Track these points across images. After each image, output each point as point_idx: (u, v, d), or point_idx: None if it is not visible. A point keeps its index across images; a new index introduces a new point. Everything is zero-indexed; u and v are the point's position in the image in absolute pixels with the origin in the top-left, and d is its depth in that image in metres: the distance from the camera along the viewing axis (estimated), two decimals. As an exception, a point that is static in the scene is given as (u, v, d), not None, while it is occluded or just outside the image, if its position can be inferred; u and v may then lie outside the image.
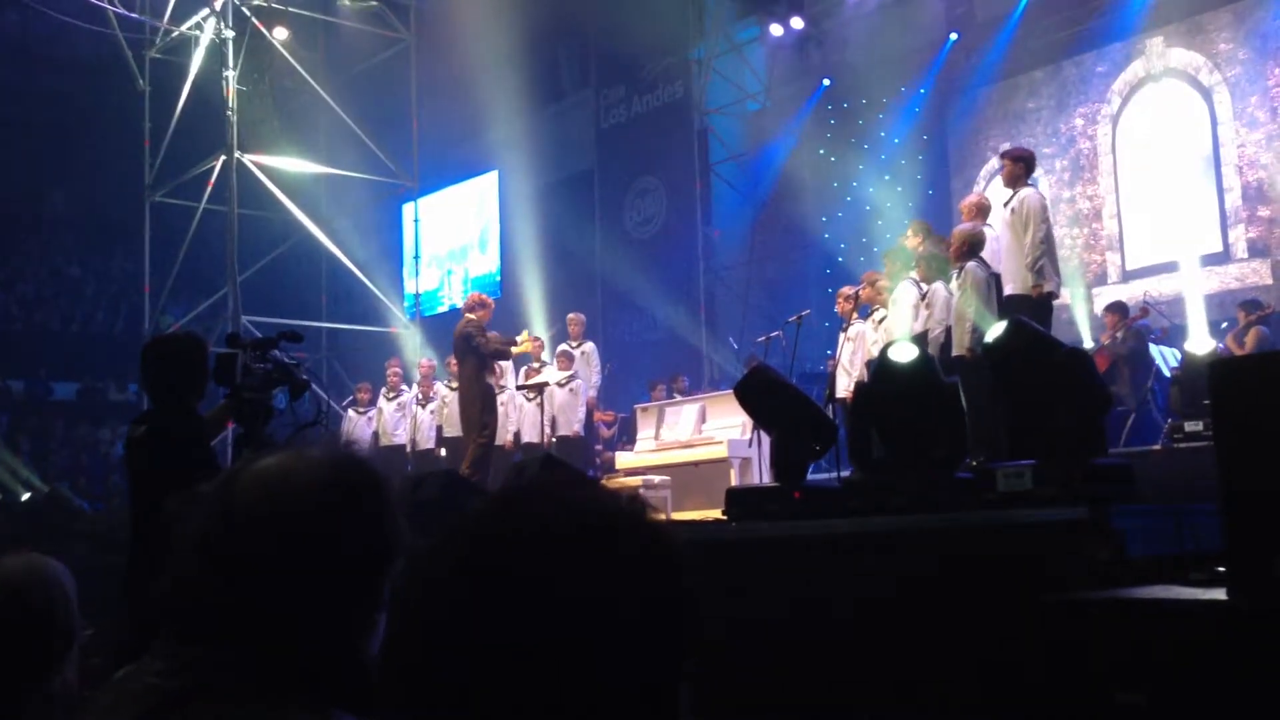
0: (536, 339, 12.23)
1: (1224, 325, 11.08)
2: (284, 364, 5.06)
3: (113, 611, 4.02)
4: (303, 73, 16.80)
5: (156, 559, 1.58)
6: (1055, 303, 8.18)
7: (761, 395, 6.11)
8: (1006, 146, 11.07)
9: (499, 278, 18.89)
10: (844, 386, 9.09)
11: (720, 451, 9.86)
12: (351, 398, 14.44)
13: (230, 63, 15.36)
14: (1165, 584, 3.58)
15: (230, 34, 15.43)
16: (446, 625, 1.01)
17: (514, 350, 11.10)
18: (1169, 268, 12.80)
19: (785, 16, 15.36)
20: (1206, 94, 12.78)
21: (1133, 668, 3.22)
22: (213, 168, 15.84)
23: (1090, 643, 3.36)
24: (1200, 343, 11.02)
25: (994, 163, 12.37)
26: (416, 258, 18.25)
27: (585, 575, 0.99)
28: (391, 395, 13.56)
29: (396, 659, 1.05)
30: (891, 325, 8.82)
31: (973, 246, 7.98)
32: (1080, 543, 4.02)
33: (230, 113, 15.41)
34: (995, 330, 4.87)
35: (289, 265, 18.86)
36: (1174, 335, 11.57)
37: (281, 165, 16.31)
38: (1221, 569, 3.22)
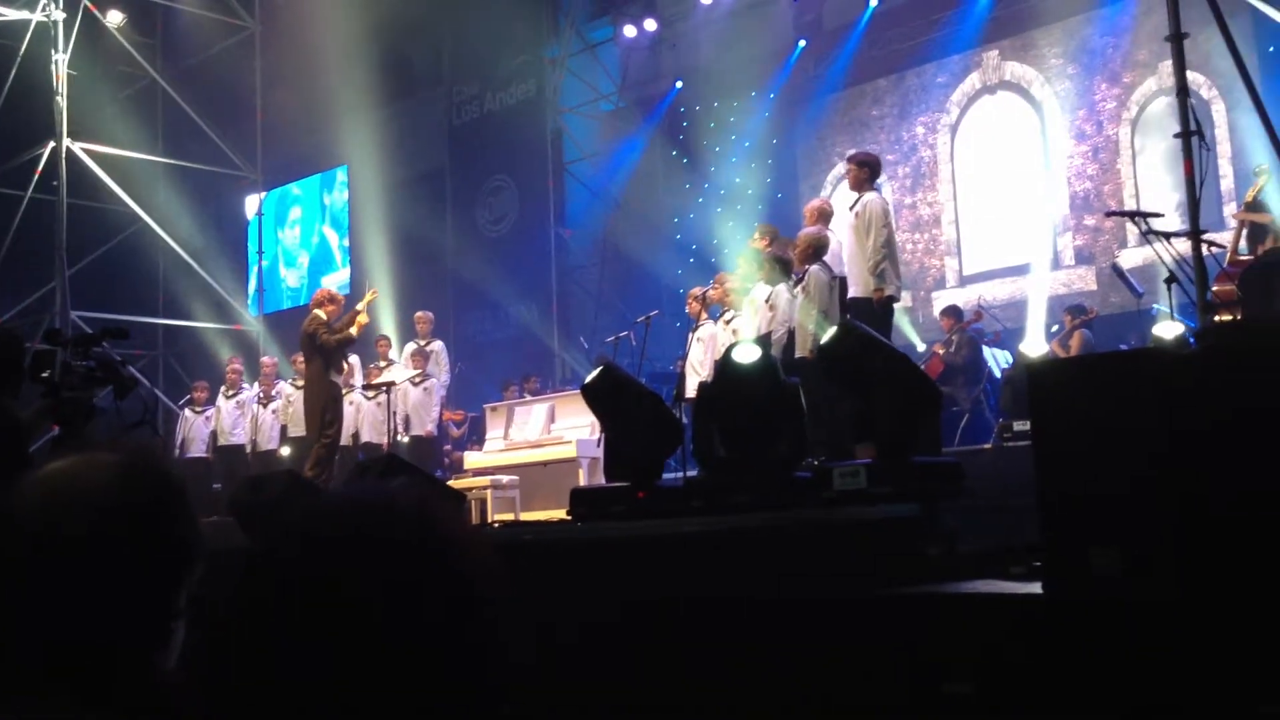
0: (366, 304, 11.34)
1: (1054, 329, 11.59)
2: (108, 361, 4.85)
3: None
4: (139, 58, 16.14)
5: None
6: (898, 305, 8.41)
7: (609, 395, 6.11)
8: (852, 151, 11.35)
9: (348, 274, 18.49)
10: (693, 386, 9.16)
11: (569, 451, 9.85)
12: (188, 396, 13.93)
13: (60, 46, 14.65)
14: (989, 578, 3.71)
15: (61, 16, 14.72)
16: (246, 636, 0.97)
17: (358, 323, 10.37)
18: (1003, 273, 13.33)
19: (638, 18, 15.46)
20: (1038, 106, 13.35)
21: (960, 659, 3.32)
22: (40, 155, 15.08)
23: (919, 635, 3.46)
24: (1033, 345, 11.52)
25: (840, 167, 12.67)
26: (261, 252, 17.72)
27: (378, 583, 0.96)
28: (230, 394, 13.14)
29: (198, 669, 1.01)
30: (740, 326, 8.94)
31: (816, 250, 8.14)
32: (911, 539, 4.14)
33: (60, 98, 14.70)
34: (828, 333, 4.97)
35: (126, 259, 18.07)
36: (1008, 338, 12.05)
37: (115, 154, 15.62)
38: (1039, 563, 3.35)
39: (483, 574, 1.01)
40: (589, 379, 6.08)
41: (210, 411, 13.24)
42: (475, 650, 0.98)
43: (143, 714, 1.20)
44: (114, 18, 15.99)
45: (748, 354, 5.33)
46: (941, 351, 11.17)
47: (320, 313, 10.19)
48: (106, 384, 4.83)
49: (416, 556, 0.97)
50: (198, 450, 13.16)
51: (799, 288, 8.13)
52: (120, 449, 1.37)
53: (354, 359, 11.51)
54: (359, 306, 10.49)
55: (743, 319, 8.94)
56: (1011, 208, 13.32)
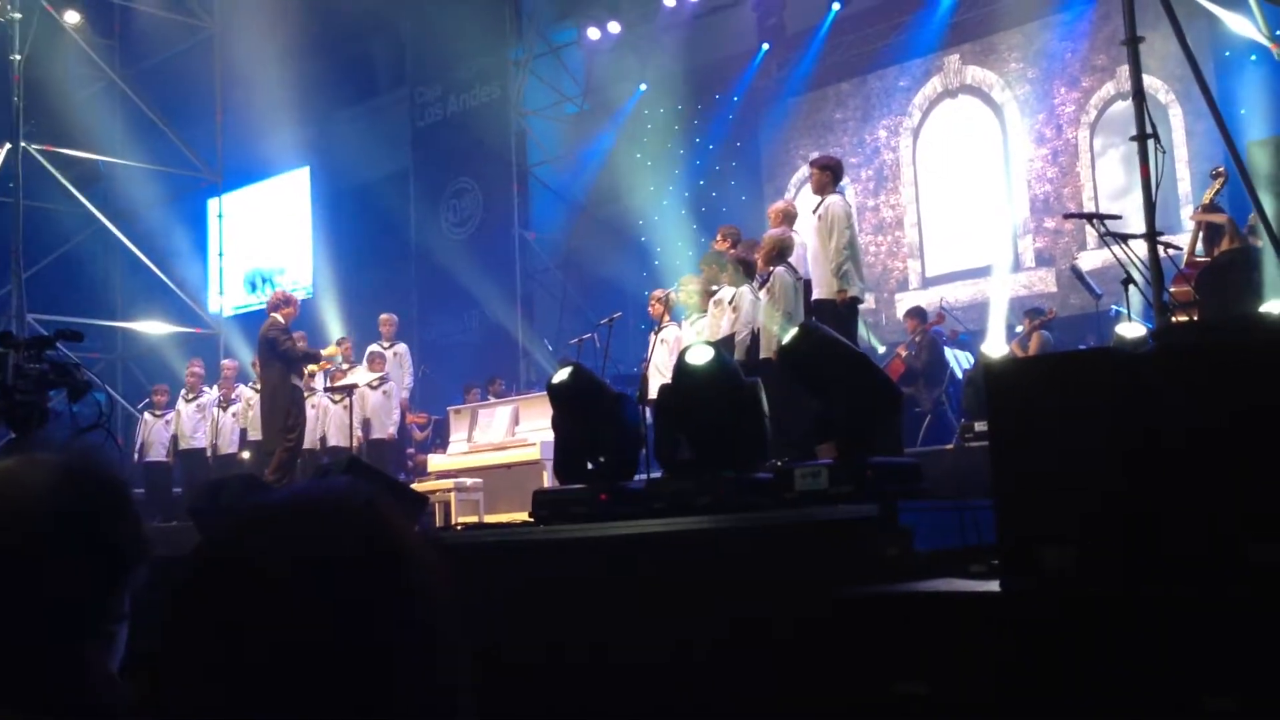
0: (343, 340, 11.88)
1: (1019, 329, 11.70)
2: (62, 364, 4.78)
3: None
4: (97, 59, 15.96)
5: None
6: (862, 307, 8.46)
7: (578, 396, 6.06)
8: (815, 155, 11.40)
9: (310, 277, 18.36)
10: (656, 389, 9.15)
11: (533, 453, 9.82)
12: (147, 400, 13.78)
13: (17, 46, 14.46)
14: (947, 577, 3.72)
15: (17, 16, 14.53)
16: (183, 638, 0.96)
17: (321, 361, 10.80)
18: (964, 275, 13.43)
19: (602, 21, 15.46)
20: (999, 110, 13.47)
21: (916, 658, 3.33)
22: (-4, 157, 14.90)
23: (876, 635, 3.47)
24: (995, 347, 11.61)
25: (804, 170, 12.71)
26: (221, 255, 17.56)
27: (321, 583, 0.94)
28: (191, 397, 13.01)
29: (141, 673, 0.99)
30: (705, 328, 8.95)
31: (781, 252, 8.17)
32: (870, 539, 4.16)
33: (16, 99, 14.51)
34: (789, 334, 4.98)
35: (84, 261, 17.90)
36: (970, 340, 12.15)
37: (73, 155, 15.45)
38: (996, 561, 3.37)
39: (428, 575, 1.00)
40: (557, 379, 6.03)
41: (170, 415, 13.11)
42: (419, 653, 0.96)
43: (75, 717, 1.17)
44: (71, 18, 15.81)
45: (700, 356, 5.32)
46: (904, 353, 11.23)
47: (278, 316, 10.11)
48: (60, 387, 4.76)
49: (361, 556, 0.96)
50: (158, 454, 13.03)
51: (763, 289, 8.15)
52: (62, 451, 1.35)
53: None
54: (325, 353, 10.76)
55: (708, 320, 8.94)
56: (973, 210, 13.43)
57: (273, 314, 10.11)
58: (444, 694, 0.97)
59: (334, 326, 14.83)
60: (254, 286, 19.21)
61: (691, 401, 5.22)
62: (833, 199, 8.29)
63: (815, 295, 8.12)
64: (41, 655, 1.19)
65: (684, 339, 9.53)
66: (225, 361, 13.71)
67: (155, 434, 13.05)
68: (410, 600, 0.96)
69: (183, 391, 13.14)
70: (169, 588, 0.99)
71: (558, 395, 6.05)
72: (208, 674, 0.93)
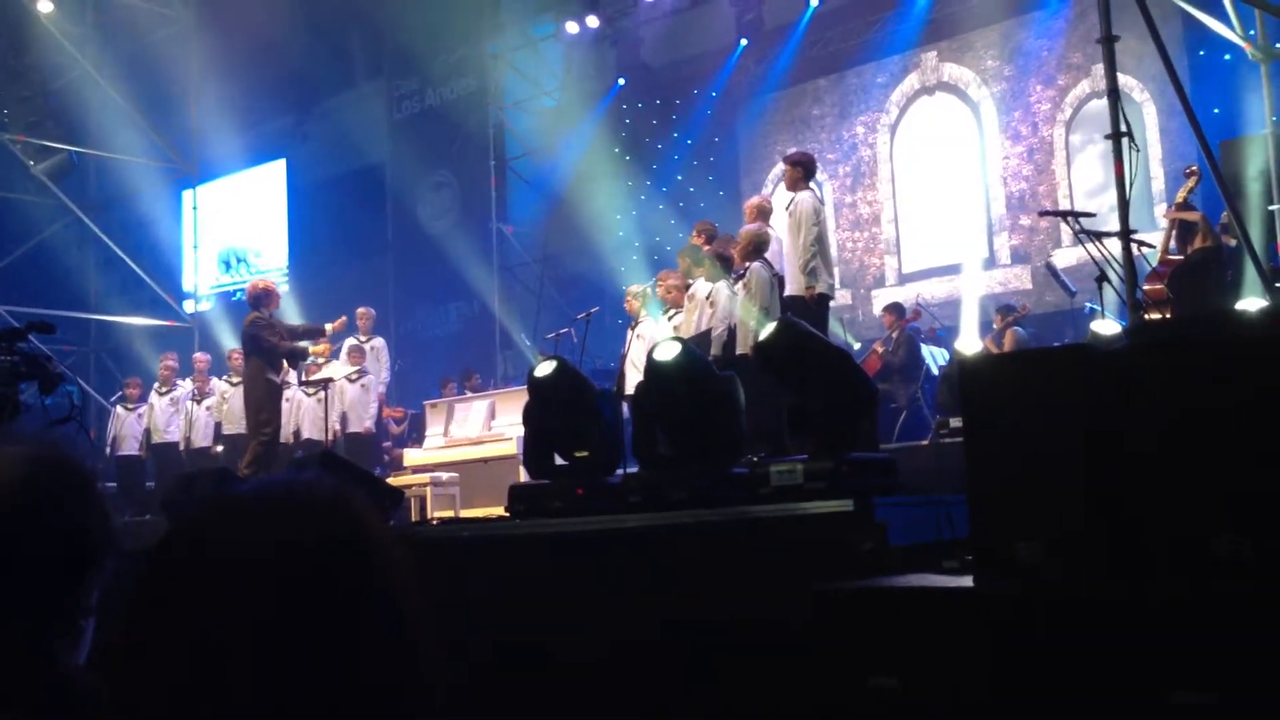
0: (344, 319, 11.36)
1: (996, 326, 11.75)
2: (33, 357, 4.74)
3: None
4: (69, 48, 15.80)
5: None
6: (836, 303, 8.48)
7: (562, 389, 6.03)
8: (789, 152, 11.42)
9: (286, 269, 18.25)
10: (633, 384, 9.15)
11: (509, 448, 9.80)
12: (120, 393, 13.67)
13: (-12, 35, 14.33)
14: (921, 572, 3.74)
15: (-12, 5, 14.40)
16: (147, 629, 0.95)
17: (322, 340, 10.40)
18: (941, 271, 13.48)
19: (581, 15, 15.42)
20: (975, 108, 13.52)
21: (889, 653, 3.34)
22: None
23: (850, 630, 3.48)
24: (970, 343, 11.66)
25: (781, 166, 12.73)
26: (196, 247, 17.43)
27: (286, 575, 0.94)
28: (164, 390, 12.92)
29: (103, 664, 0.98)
30: (682, 323, 8.95)
31: (757, 247, 8.18)
32: (845, 534, 4.17)
33: (-12, 88, 14.40)
34: (766, 329, 4.99)
35: (57, 253, 17.72)
36: (946, 336, 12.19)
37: (45, 146, 15.30)
38: (970, 557, 3.39)
39: (395, 569, 0.99)
40: (540, 372, 5.99)
41: (143, 409, 13.01)
42: (385, 645, 0.96)
43: (44, 712, 1.16)
44: (44, 6, 15.64)
45: (667, 352, 5.32)
46: (880, 349, 11.27)
47: (260, 313, 9.97)
48: (32, 380, 4.72)
49: (327, 548, 0.95)
50: (130, 448, 12.93)
51: (740, 284, 8.16)
52: (31, 444, 1.33)
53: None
54: (328, 329, 10.43)
55: (685, 315, 8.95)
56: (949, 207, 13.48)
57: (255, 310, 9.94)
58: (410, 687, 0.96)
59: (310, 320, 14.73)
60: (228, 265, 18.98)
61: (664, 397, 5.22)
62: (802, 195, 8.30)
63: (787, 291, 8.15)
64: (8, 649, 1.18)
65: (661, 334, 9.54)
66: (198, 355, 13.59)
67: (127, 427, 12.95)
68: (376, 593, 0.95)
69: (156, 385, 13.04)
70: (135, 576, 0.98)
71: (540, 388, 6.00)
72: (171, 663, 0.92)
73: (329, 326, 10.43)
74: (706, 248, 8.90)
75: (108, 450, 12.93)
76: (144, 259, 16.47)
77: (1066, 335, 10.80)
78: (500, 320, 15.71)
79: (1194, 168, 9.15)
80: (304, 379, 11.64)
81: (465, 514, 9.32)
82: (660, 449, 5.46)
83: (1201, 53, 11.32)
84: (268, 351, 9.79)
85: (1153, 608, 2.82)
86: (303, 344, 10.11)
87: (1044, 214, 10.32)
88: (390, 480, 9.28)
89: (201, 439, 12.47)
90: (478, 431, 10.39)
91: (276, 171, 18.69)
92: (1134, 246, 6.39)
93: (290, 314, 14.28)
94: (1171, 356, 3.05)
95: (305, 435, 11.62)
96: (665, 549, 4.64)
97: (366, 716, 0.93)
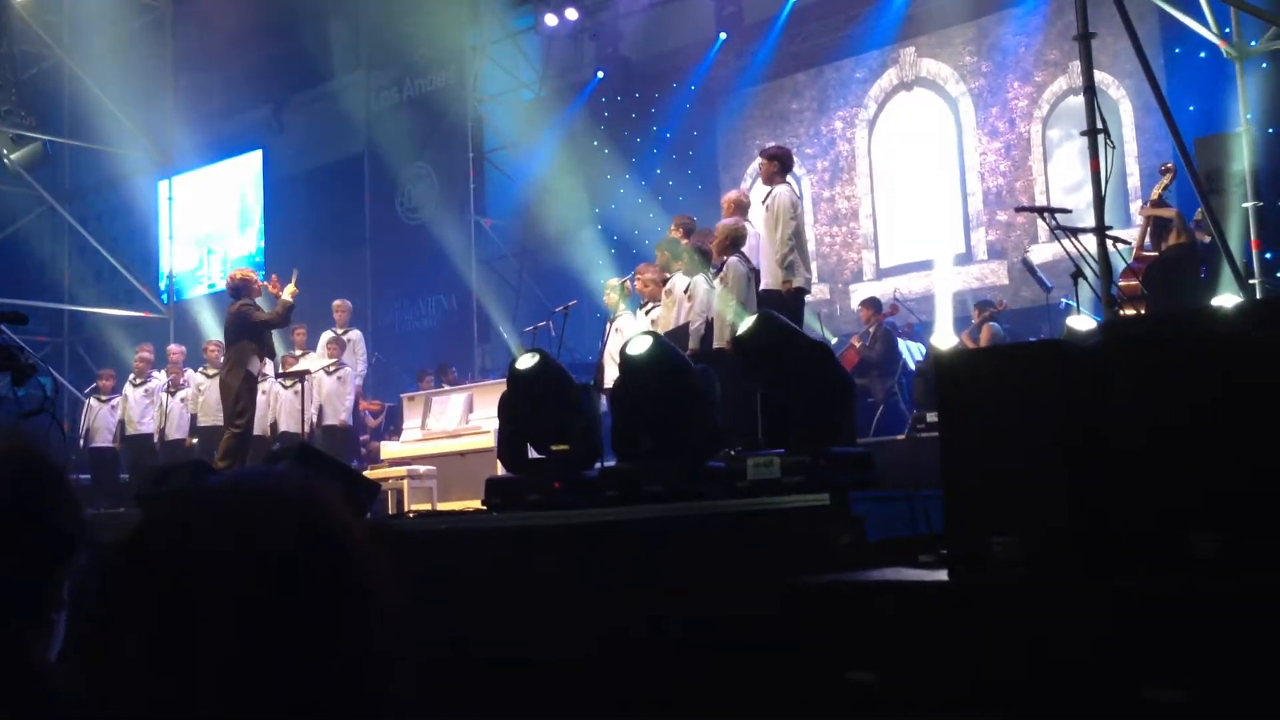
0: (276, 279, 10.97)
1: (973, 321, 11.80)
2: (5, 347, 4.70)
3: None
4: (44, 36, 15.64)
5: None
6: (813, 298, 8.49)
7: (543, 383, 6.02)
8: (765, 146, 11.43)
9: (261, 261, 18.12)
10: (611, 377, 9.15)
11: (487, 441, 9.77)
12: (94, 385, 13.56)
13: (-39, 23, 14.18)
14: (897, 566, 3.75)
15: (-39, -9, 14.24)
16: (123, 618, 0.94)
17: (288, 296, 10.10)
18: (918, 266, 13.52)
19: (560, 7, 15.38)
20: (953, 103, 13.56)
21: (866, 647, 3.36)
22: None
23: (827, 624, 3.49)
24: (945, 338, 11.71)
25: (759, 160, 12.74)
26: (171, 238, 17.31)
27: (256, 568, 0.93)
28: (139, 382, 12.83)
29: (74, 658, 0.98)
30: (660, 317, 8.95)
31: (734, 241, 8.18)
32: (822, 528, 4.18)
33: (-40, 77, 14.24)
34: (745, 324, 5.00)
35: (31, 243, 17.56)
36: (922, 331, 12.24)
37: (20, 135, 15.15)
38: (945, 551, 3.40)
39: (367, 561, 0.98)
40: (522, 364, 5.97)
41: (116, 400, 12.92)
42: (352, 641, 0.95)
43: (14, 706, 1.15)
44: (18, -6, 15.49)
45: (640, 346, 5.33)
46: (858, 344, 11.30)
47: (247, 302, 9.90)
48: (4, 371, 4.68)
49: (298, 540, 0.95)
50: (104, 440, 12.83)
51: (718, 279, 8.16)
52: (1, 436, 1.32)
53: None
54: (288, 298, 10.14)
55: (663, 309, 8.95)
56: (927, 202, 13.52)
57: (242, 301, 9.86)
58: (384, 680, 0.96)
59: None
60: (204, 257, 18.80)
61: (638, 391, 5.22)
62: (780, 189, 8.31)
63: (763, 285, 8.15)
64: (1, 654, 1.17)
65: (639, 328, 9.54)
66: (172, 347, 13.49)
67: (101, 419, 12.85)
68: (349, 586, 0.95)
69: (131, 376, 12.94)
70: (107, 569, 0.98)
71: (521, 381, 5.98)
72: (144, 657, 0.91)
73: (287, 295, 10.05)
74: (685, 241, 8.89)
75: (81, 442, 12.83)
76: (119, 249, 16.35)
77: (1042, 331, 10.85)
78: (478, 313, 15.67)
79: (1169, 165, 9.21)
80: (280, 371, 11.59)
81: (442, 507, 9.31)
82: (641, 443, 5.46)
83: (1177, 50, 11.38)
84: (260, 326, 9.73)
85: (1127, 603, 2.84)
86: (281, 305, 9.93)
87: (1020, 210, 10.36)
88: (367, 473, 9.25)
89: (176, 431, 12.39)
90: (455, 424, 10.37)
91: (254, 162, 18.57)
92: (1109, 242, 6.43)
93: (266, 306, 14.21)
94: (1146, 353, 3.08)
95: (282, 428, 11.57)
96: (642, 543, 4.64)
97: (341, 709, 0.93)
